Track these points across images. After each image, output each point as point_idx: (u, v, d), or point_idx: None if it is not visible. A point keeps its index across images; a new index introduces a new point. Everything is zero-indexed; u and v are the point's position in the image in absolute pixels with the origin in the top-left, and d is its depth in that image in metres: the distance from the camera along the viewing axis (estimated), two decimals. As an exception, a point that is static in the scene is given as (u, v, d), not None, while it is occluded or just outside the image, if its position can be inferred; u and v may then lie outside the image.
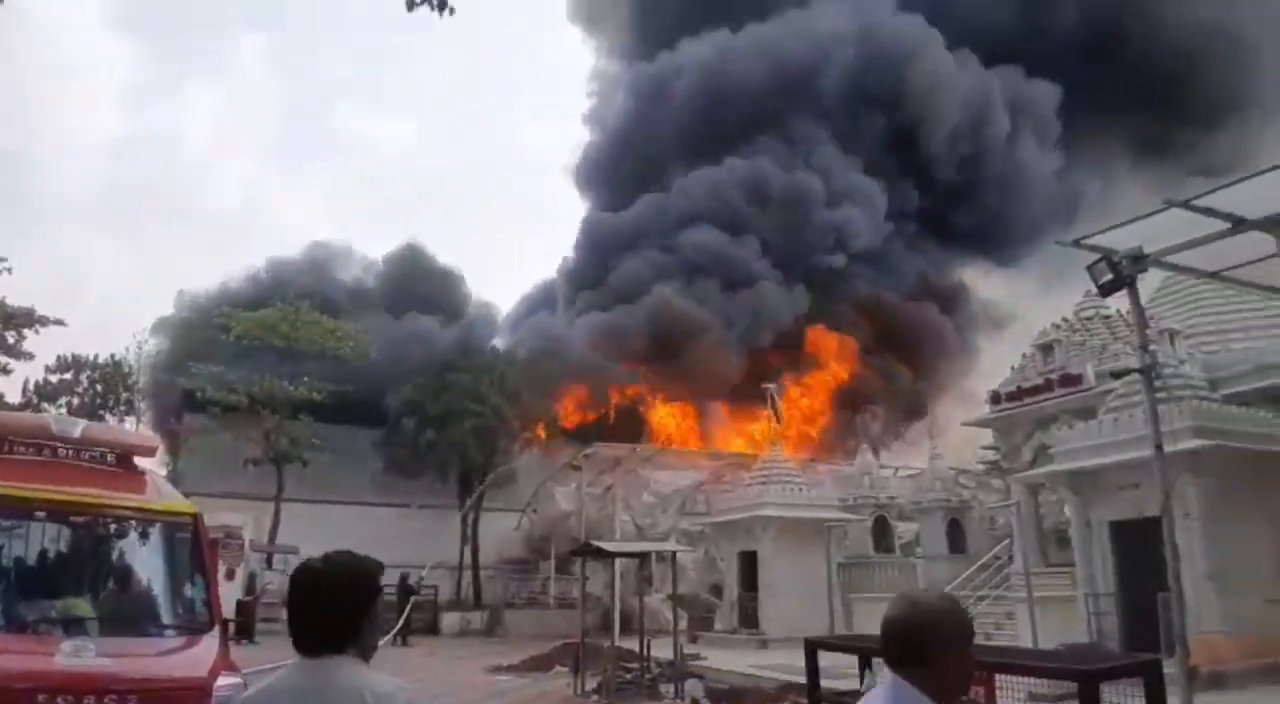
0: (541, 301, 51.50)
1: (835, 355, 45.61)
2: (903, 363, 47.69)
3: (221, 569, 21.84)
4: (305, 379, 29.02)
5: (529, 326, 46.24)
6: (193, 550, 5.61)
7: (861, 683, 5.01)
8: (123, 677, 4.41)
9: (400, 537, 29.28)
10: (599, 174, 54.10)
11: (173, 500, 5.87)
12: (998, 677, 4.27)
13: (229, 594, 20.68)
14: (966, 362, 46.76)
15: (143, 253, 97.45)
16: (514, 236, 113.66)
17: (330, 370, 30.18)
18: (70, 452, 5.60)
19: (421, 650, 21.85)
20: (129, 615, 5.36)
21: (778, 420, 26.91)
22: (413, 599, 24.19)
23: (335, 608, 2.11)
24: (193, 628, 5.28)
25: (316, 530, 27.67)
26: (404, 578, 24.31)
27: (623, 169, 50.65)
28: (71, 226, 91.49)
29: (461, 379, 30.11)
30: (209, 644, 5.08)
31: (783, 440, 27.44)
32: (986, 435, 24.38)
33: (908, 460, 33.57)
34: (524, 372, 33.91)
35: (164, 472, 34.99)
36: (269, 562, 27.24)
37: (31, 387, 34.13)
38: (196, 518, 5.75)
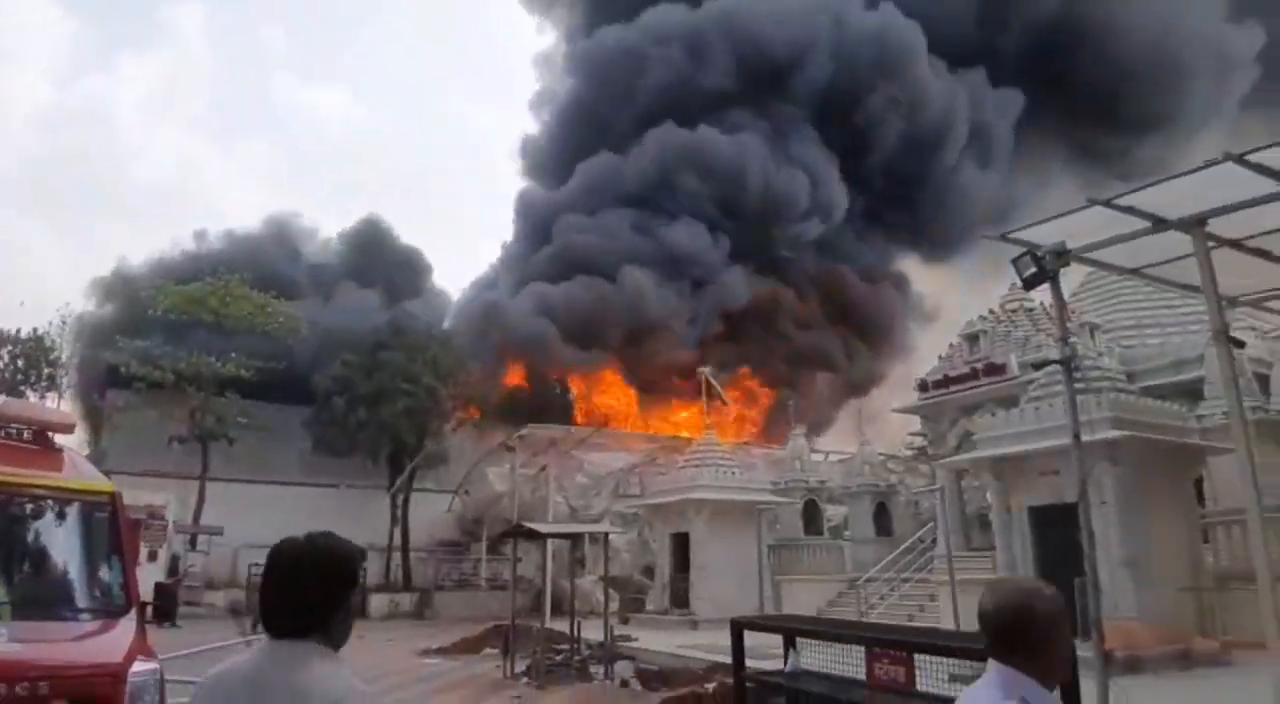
0: (492, 284, 51.10)
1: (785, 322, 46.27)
2: (852, 335, 48.68)
3: (144, 551, 21.32)
4: (234, 356, 28.32)
5: (470, 304, 45.83)
6: (111, 531, 5.43)
7: (785, 662, 5.10)
8: (34, 663, 4.27)
9: (329, 517, 28.58)
10: (543, 156, 53.68)
11: (91, 479, 5.67)
12: (918, 657, 4.38)
13: (152, 576, 20.13)
14: (902, 350, 48.01)
15: (73, 228, 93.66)
16: (465, 221, 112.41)
17: (263, 347, 29.54)
18: None
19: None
20: (43, 599, 5.16)
21: (722, 402, 27.09)
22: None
23: (309, 591, 2.02)
24: (109, 611, 5.12)
25: (243, 510, 27.25)
26: None
27: (567, 151, 50.28)
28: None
29: (394, 358, 29.70)
30: (125, 628, 4.94)
31: (721, 425, 27.79)
32: (915, 422, 25.02)
33: (839, 446, 34.27)
34: (462, 349, 33.65)
35: (86, 450, 33.89)
36: (193, 543, 26.61)
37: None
38: (115, 497, 5.57)
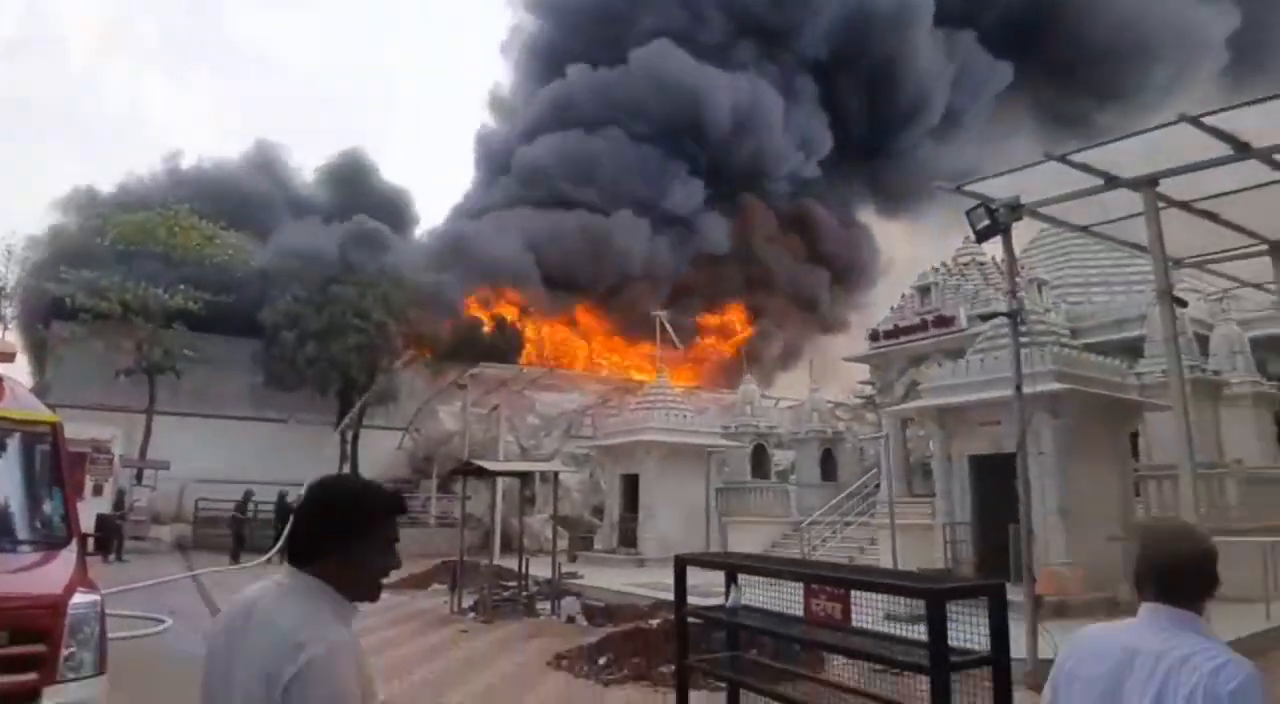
0: (464, 215, 49.94)
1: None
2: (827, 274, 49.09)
3: (89, 484, 20.96)
4: (182, 287, 27.66)
5: (436, 233, 45.09)
6: (52, 462, 5.32)
7: (727, 599, 5.22)
8: None
9: (277, 452, 28.63)
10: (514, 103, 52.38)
11: (31, 409, 5.53)
12: (855, 595, 4.51)
13: (96, 510, 19.84)
14: (864, 299, 48.65)
15: (21, 159, 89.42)
16: (450, 161, 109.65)
17: (212, 279, 28.87)
18: None
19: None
20: None
21: (675, 346, 27.22)
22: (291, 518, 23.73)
23: (318, 519, 1.99)
24: (50, 543, 5.04)
25: (190, 445, 26.95)
26: (282, 496, 23.79)
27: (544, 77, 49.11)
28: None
29: (345, 292, 29.28)
30: (66, 560, 4.86)
31: (674, 367, 27.96)
32: (866, 371, 25.39)
33: (792, 393, 34.73)
34: (427, 283, 33.29)
35: (29, 382, 32.99)
36: (139, 477, 26.24)
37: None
38: (56, 428, 5.44)
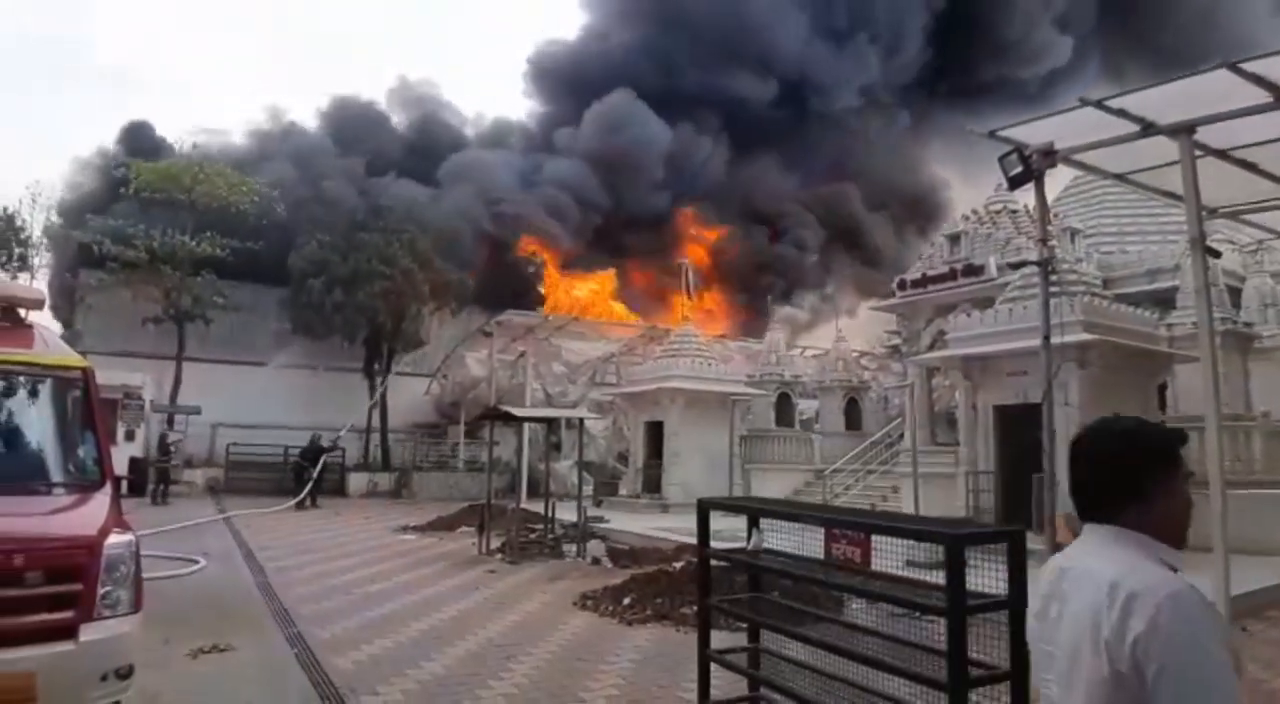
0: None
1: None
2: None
3: (121, 430, 21.41)
4: (208, 234, 27.85)
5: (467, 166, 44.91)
6: (84, 407, 5.40)
7: (749, 542, 5.30)
8: (8, 535, 4.32)
9: (306, 398, 29.08)
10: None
11: (62, 355, 5.62)
12: (876, 542, 4.56)
13: (128, 455, 20.38)
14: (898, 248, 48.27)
15: (44, 110, 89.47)
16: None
17: (238, 226, 29.05)
18: None
19: (327, 511, 22.05)
20: (16, 474, 5.15)
21: (688, 296, 27.18)
22: (324, 459, 24.21)
23: (1107, 468, 1.84)
24: (84, 486, 5.14)
25: (220, 391, 27.38)
26: (315, 439, 24.24)
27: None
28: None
29: (372, 239, 29.32)
30: (100, 502, 4.95)
31: (697, 315, 27.94)
32: (893, 321, 25.22)
33: (815, 341, 34.63)
34: (451, 226, 33.45)
35: (60, 330, 33.56)
36: (170, 423, 26.76)
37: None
38: (87, 373, 5.51)
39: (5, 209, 32.01)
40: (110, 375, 24.71)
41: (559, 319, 28.08)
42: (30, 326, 5.60)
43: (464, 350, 31.38)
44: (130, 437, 22.76)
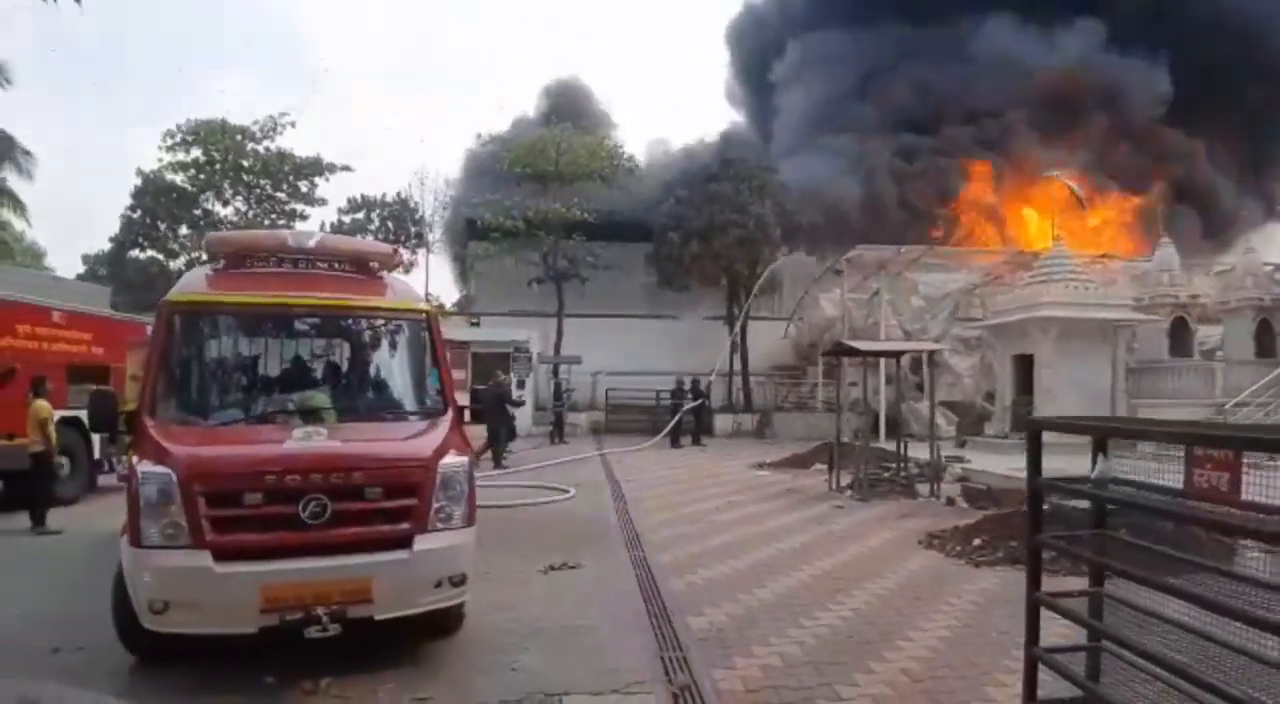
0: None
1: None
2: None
3: (513, 377, 24.33)
4: (576, 201, 30.23)
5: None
6: (429, 345, 6.10)
7: (1092, 469, 4.57)
8: (348, 455, 4.97)
9: (671, 346, 30.64)
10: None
11: (409, 299, 6.35)
12: (1251, 463, 3.68)
13: (524, 397, 23.29)
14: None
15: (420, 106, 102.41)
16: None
17: (605, 193, 31.29)
18: (306, 262, 6.16)
19: (695, 450, 23.27)
20: (367, 405, 6.03)
21: (1081, 207, 24.22)
22: (702, 402, 25.43)
23: None
24: (427, 414, 5.83)
25: (597, 342, 29.83)
26: (696, 382, 25.46)
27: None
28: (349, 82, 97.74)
29: (724, 189, 29.89)
30: (440, 428, 5.58)
31: (1083, 234, 24.90)
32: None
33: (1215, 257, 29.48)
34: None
35: (455, 296, 38.78)
36: (555, 372, 29.68)
37: (327, 228, 38.06)
38: (431, 316, 6.24)
39: (399, 194, 37.34)
40: (501, 332, 28.22)
41: (913, 250, 26.65)
42: (380, 277, 6.39)
43: (817, 291, 31.04)
44: (520, 384, 25.59)
